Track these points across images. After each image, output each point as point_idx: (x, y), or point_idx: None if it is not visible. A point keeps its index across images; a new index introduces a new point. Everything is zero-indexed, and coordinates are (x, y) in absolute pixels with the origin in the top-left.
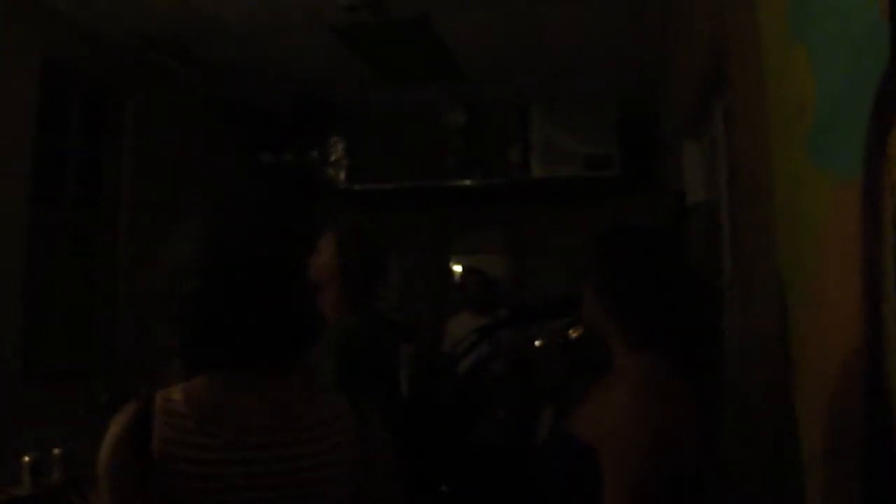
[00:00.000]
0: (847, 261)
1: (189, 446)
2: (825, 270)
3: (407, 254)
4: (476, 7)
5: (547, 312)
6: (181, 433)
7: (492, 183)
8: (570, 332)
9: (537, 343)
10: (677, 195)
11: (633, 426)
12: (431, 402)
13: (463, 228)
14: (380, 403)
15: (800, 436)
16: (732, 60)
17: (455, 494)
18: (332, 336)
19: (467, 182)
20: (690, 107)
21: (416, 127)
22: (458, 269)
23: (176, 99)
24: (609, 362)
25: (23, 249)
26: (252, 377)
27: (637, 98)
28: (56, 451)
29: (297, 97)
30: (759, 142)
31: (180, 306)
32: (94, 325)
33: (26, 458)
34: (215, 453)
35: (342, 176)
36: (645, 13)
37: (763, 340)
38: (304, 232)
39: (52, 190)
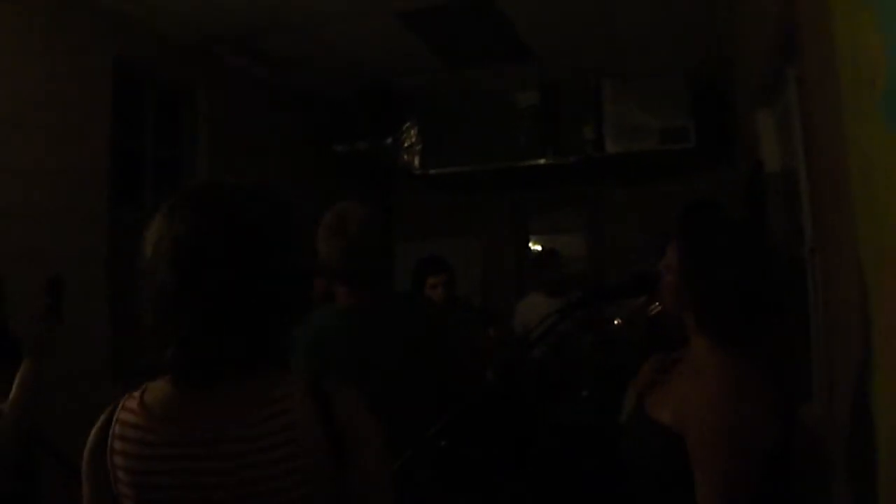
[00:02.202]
0: None
1: (132, 441)
2: None
3: (484, 236)
4: None
5: (623, 292)
6: (128, 429)
7: (566, 161)
8: (650, 309)
9: (616, 322)
10: (754, 165)
11: (721, 421)
12: (514, 384)
13: (539, 208)
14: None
15: (877, 415)
16: (803, 26)
17: (541, 473)
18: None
19: (542, 161)
20: (763, 75)
21: (488, 108)
22: (537, 248)
23: (247, 94)
24: (683, 339)
25: (105, 249)
26: (206, 378)
27: (710, 68)
28: None
29: (366, 85)
30: (833, 108)
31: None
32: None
33: None
34: (157, 449)
35: (416, 161)
36: None
37: (844, 311)
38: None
39: (131, 190)
